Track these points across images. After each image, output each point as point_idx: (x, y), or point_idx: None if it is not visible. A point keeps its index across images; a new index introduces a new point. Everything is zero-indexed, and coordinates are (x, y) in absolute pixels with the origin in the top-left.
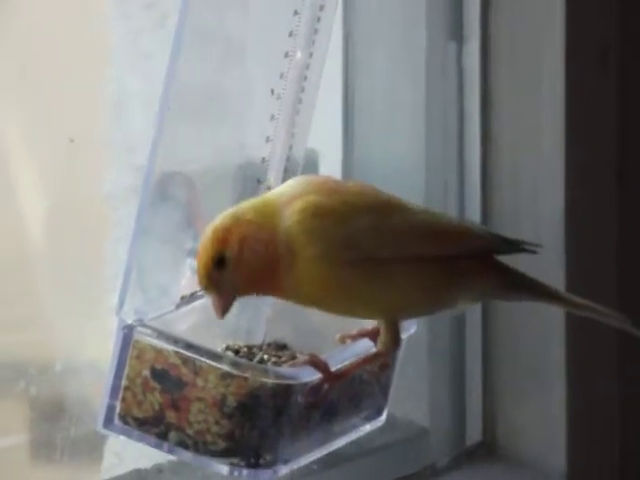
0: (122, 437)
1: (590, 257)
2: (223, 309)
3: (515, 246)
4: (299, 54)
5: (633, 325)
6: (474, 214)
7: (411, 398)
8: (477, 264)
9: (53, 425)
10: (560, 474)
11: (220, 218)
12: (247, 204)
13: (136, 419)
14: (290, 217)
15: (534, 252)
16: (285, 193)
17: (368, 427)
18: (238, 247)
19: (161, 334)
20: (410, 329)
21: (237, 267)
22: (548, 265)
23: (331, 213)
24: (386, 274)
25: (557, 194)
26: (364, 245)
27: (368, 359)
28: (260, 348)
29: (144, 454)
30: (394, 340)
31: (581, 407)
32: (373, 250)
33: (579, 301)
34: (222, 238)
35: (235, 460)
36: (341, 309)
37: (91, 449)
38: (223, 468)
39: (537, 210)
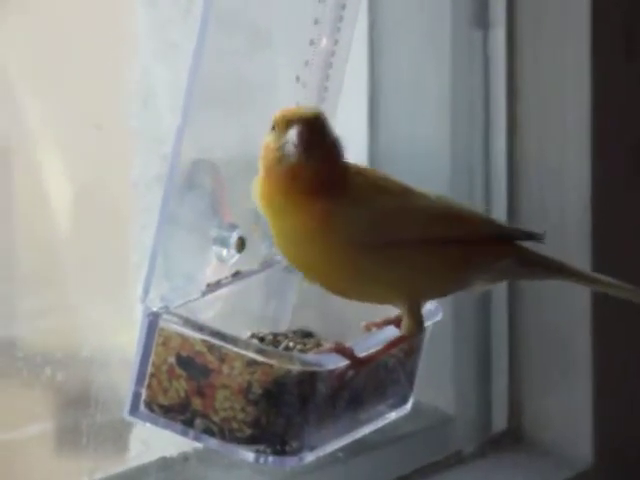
0: (148, 425)
1: (616, 244)
2: (303, 152)
3: (525, 235)
4: (324, 41)
5: None
6: (500, 202)
7: (436, 386)
8: (491, 245)
9: (79, 412)
10: (585, 462)
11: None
12: None
13: (162, 406)
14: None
15: (541, 241)
16: None
17: (394, 415)
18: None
19: (187, 321)
20: (436, 316)
21: (330, 146)
22: (574, 252)
23: (363, 196)
24: (407, 257)
25: (583, 181)
26: (387, 228)
27: (393, 344)
28: (285, 336)
29: (171, 442)
30: (417, 323)
31: (607, 396)
32: (395, 233)
33: (599, 277)
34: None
35: (261, 447)
36: (362, 293)
37: (117, 436)
38: (249, 455)
39: (563, 197)
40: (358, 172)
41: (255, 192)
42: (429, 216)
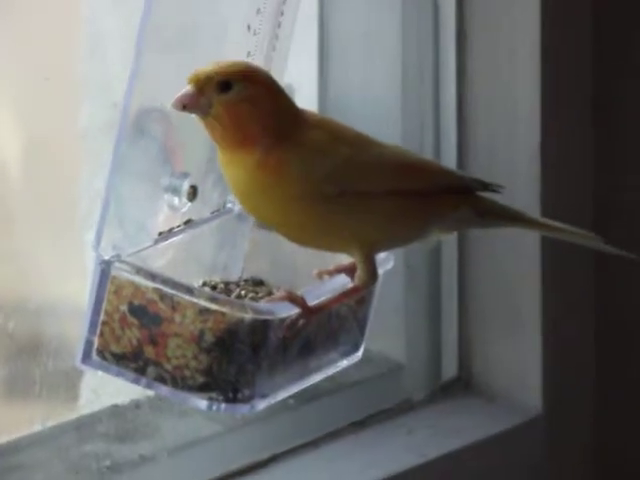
0: (100, 373)
1: (566, 192)
2: (188, 104)
3: (483, 186)
4: None
5: (606, 244)
6: (450, 150)
7: (387, 333)
8: (447, 196)
9: (31, 360)
10: (535, 409)
11: None
12: None
13: (114, 354)
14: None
15: (498, 192)
16: None
17: (345, 362)
18: (251, 90)
19: (139, 270)
20: (387, 264)
21: (232, 104)
22: (523, 202)
23: (320, 146)
24: (362, 208)
25: (533, 128)
26: (343, 179)
27: (345, 294)
28: (237, 284)
29: (121, 390)
30: (370, 274)
31: (556, 343)
32: (350, 184)
33: (551, 224)
34: (243, 72)
35: (213, 395)
36: (319, 242)
37: (69, 385)
38: (201, 403)
39: (513, 145)
40: (315, 121)
41: None
42: (387, 167)
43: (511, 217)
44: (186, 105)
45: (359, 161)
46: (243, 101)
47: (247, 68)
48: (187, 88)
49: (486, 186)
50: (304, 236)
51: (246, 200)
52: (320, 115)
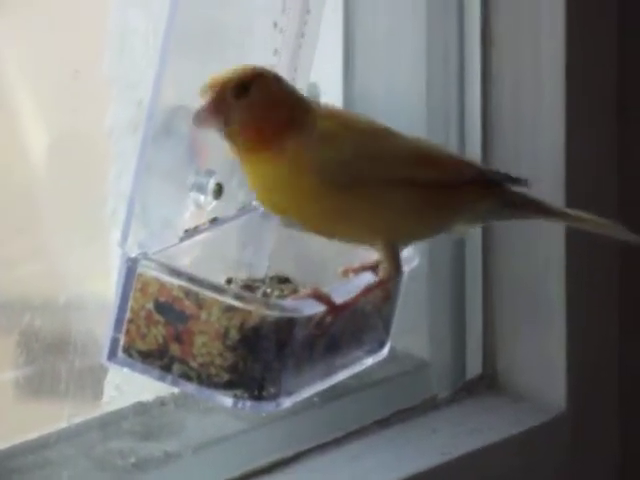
0: (125, 370)
1: (590, 195)
2: (207, 119)
3: (510, 180)
4: None
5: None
6: (475, 152)
7: (412, 331)
8: (471, 187)
9: (58, 358)
10: (559, 407)
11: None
12: None
13: (140, 352)
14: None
15: (525, 185)
16: None
17: (370, 360)
18: (265, 89)
19: (165, 267)
20: (412, 262)
21: (251, 106)
22: (548, 199)
23: (333, 136)
24: (378, 197)
25: (557, 131)
26: (353, 168)
27: (370, 288)
28: (262, 282)
29: (145, 387)
30: (395, 267)
31: (581, 341)
32: (363, 173)
33: (577, 214)
34: (254, 73)
35: (239, 392)
36: (340, 233)
37: (96, 382)
38: (227, 400)
39: (537, 148)
40: (328, 113)
41: None
42: (401, 156)
43: (536, 208)
44: (208, 118)
45: (370, 151)
46: (263, 100)
47: (256, 69)
48: (204, 101)
49: (513, 180)
50: (324, 226)
51: (265, 195)
52: (335, 107)
